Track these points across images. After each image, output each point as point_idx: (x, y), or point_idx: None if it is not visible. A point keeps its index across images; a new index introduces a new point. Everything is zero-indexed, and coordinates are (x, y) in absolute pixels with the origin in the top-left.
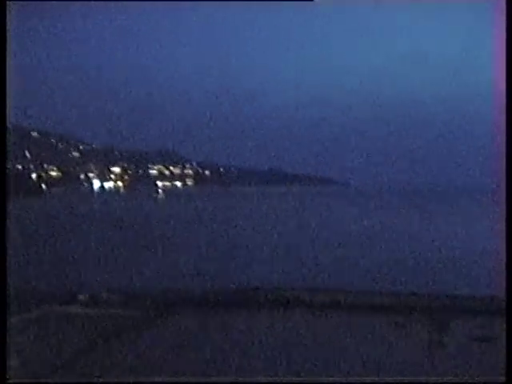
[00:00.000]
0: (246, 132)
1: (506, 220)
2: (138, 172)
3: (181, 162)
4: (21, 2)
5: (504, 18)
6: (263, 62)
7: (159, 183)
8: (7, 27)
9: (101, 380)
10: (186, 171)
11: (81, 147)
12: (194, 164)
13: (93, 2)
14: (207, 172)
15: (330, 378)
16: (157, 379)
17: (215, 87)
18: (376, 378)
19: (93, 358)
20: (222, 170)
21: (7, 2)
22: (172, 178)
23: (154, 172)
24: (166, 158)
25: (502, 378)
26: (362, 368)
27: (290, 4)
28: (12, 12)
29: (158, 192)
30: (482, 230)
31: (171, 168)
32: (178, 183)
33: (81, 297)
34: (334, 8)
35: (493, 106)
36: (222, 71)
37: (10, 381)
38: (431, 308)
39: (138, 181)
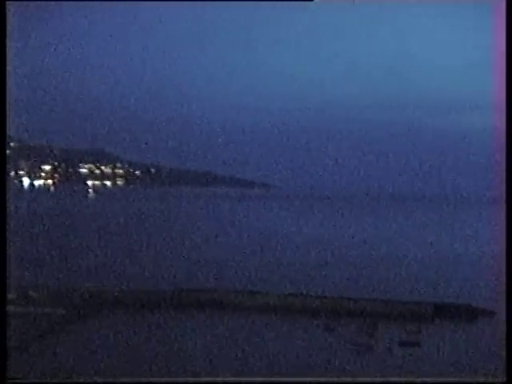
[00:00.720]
0: (177, 134)
1: (506, 221)
2: (68, 170)
3: (112, 161)
4: (21, 2)
5: (504, 17)
6: (198, 65)
7: (89, 182)
8: (7, 27)
9: (100, 380)
10: (116, 171)
11: (11, 144)
12: (125, 164)
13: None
14: (138, 172)
15: (330, 379)
16: (156, 379)
17: (149, 89)
18: (375, 379)
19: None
20: (152, 170)
21: (7, 2)
22: (102, 177)
23: (84, 171)
24: (97, 157)
25: (503, 378)
26: (286, 370)
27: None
28: (12, 12)
29: (88, 191)
30: (394, 234)
31: (102, 167)
32: (108, 182)
33: (9, 295)
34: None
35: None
36: (154, 74)
37: (10, 380)
38: (361, 312)
39: (69, 179)
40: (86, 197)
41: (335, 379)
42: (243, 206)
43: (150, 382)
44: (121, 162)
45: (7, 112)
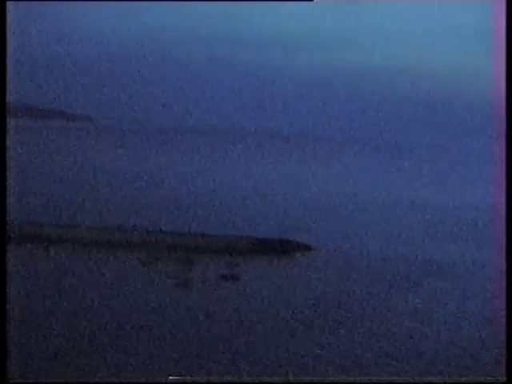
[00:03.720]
0: None
1: (506, 219)
2: None
3: None
4: (21, 2)
5: (504, 18)
6: None
7: None
8: (7, 27)
9: (101, 380)
10: None
11: None
12: None
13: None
14: None
15: (331, 379)
16: (157, 379)
17: None
18: (375, 378)
19: None
20: None
21: (7, 2)
22: None
23: None
24: None
25: (503, 378)
26: (98, 305)
27: None
28: (12, 12)
29: None
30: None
31: None
32: None
33: None
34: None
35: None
36: None
37: (10, 381)
38: (179, 246)
39: None
40: None
41: (335, 379)
42: (59, 138)
43: (149, 382)
44: None
45: (7, 111)
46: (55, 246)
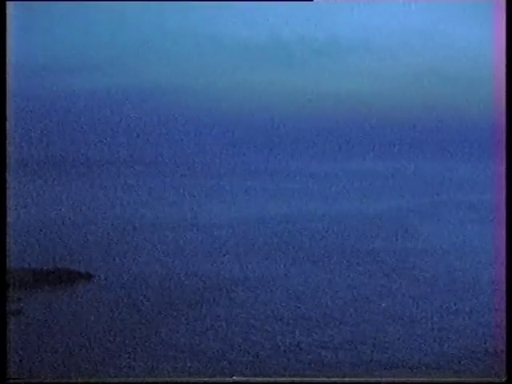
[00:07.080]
0: None
1: (506, 223)
2: None
3: None
4: (21, 2)
5: (504, 17)
6: None
7: None
8: (7, 27)
9: (102, 380)
10: None
11: None
12: None
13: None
14: None
15: (330, 379)
16: (158, 379)
17: None
18: (376, 379)
19: None
20: None
21: (7, 2)
22: None
23: None
24: None
25: (503, 378)
26: None
27: None
28: (12, 12)
29: None
30: None
31: None
32: None
33: None
34: None
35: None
36: None
37: (10, 380)
38: None
39: None
40: None
41: (335, 379)
42: None
43: (149, 382)
44: None
45: (7, 112)
46: None
